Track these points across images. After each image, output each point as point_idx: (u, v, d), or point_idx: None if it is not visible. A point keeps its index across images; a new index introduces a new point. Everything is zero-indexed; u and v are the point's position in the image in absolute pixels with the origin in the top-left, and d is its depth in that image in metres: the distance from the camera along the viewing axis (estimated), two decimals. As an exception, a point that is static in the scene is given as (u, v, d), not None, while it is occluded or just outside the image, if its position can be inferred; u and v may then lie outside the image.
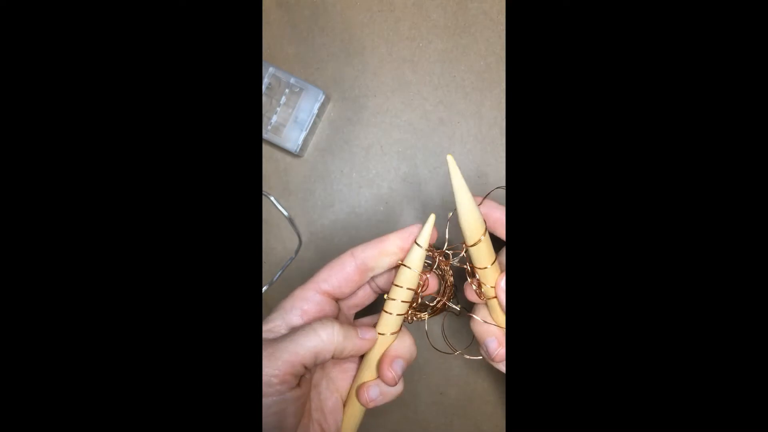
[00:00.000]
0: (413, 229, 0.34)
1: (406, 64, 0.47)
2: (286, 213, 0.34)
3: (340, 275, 0.34)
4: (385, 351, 0.35)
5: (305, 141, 0.45)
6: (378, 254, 0.34)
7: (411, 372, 0.47)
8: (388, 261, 0.34)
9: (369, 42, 0.47)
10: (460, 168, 0.30)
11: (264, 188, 0.47)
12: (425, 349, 0.44)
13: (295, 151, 0.45)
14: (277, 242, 0.47)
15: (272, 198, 0.35)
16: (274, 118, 0.45)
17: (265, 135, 0.45)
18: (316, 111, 0.45)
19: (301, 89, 0.45)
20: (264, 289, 0.36)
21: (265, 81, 0.45)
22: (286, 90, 0.45)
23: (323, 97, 0.45)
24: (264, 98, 0.45)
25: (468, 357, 0.34)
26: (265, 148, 0.47)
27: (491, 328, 0.35)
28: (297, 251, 0.34)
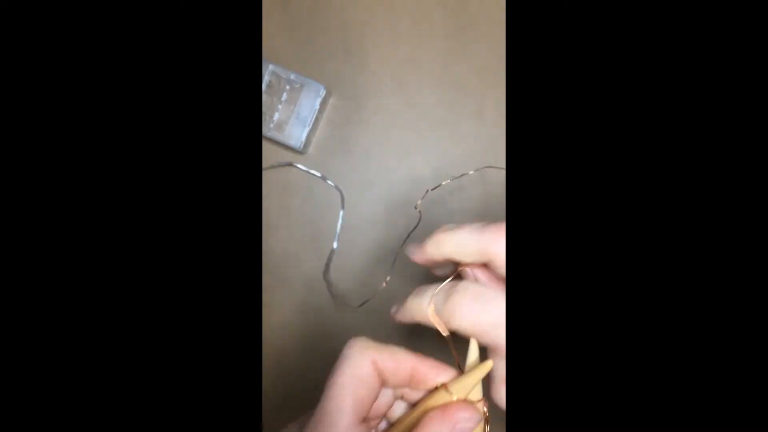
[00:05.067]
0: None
1: (406, 64, 0.47)
2: (318, 174, 0.34)
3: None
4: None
5: (308, 137, 0.45)
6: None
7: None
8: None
9: (369, 42, 0.47)
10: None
11: (264, 188, 0.47)
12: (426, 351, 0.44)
13: (299, 148, 0.45)
14: (276, 243, 0.46)
15: (300, 165, 0.35)
16: (276, 116, 0.45)
17: (267, 133, 0.45)
18: (317, 106, 0.44)
19: (302, 85, 0.45)
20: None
21: (266, 79, 0.45)
22: (287, 87, 0.45)
23: (324, 91, 0.44)
24: (265, 96, 0.45)
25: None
26: (267, 146, 0.46)
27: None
28: (343, 206, 0.35)
